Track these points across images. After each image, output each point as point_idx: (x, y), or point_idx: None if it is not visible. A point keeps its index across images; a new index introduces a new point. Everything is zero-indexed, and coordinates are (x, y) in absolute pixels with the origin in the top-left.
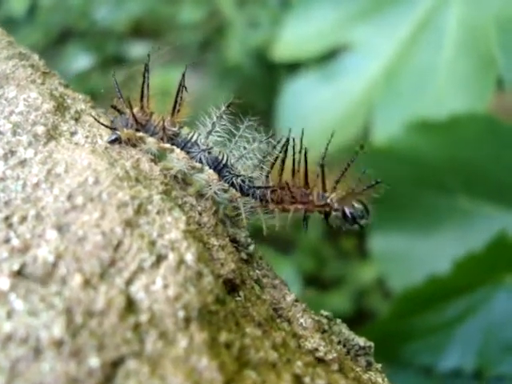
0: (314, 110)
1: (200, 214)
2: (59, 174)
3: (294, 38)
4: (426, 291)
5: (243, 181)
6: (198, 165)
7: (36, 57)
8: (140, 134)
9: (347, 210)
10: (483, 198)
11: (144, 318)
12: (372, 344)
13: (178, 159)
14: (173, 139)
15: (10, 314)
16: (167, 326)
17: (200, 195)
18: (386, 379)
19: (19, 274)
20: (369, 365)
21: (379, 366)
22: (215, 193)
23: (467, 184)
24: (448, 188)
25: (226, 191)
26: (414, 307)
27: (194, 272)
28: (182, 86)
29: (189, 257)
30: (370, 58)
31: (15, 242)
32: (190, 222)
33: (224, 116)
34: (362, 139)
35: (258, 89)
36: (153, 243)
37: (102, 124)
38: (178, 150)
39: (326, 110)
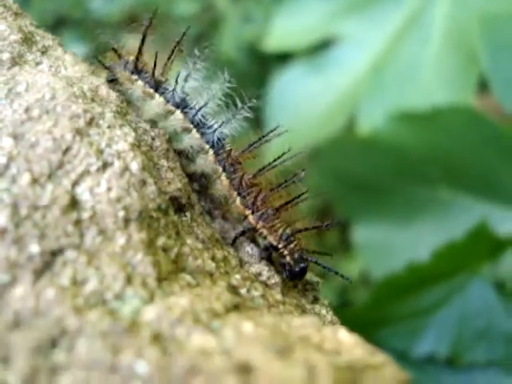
0: (302, 102)
1: (153, 138)
2: (19, 92)
3: (284, 30)
4: (405, 278)
5: (204, 117)
6: (173, 109)
7: (10, 0)
8: (134, 77)
9: (300, 267)
10: (463, 189)
11: (86, 215)
12: (319, 280)
13: (156, 104)
14: (158, 88)
15: None
16: (107, 224)
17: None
18: (330, 312)
19: None
20: (315, 299)
21: (326, 301)
22: (175, 130)
23: (448, 175)
24: (429, 179)
25: (187, 131)
26: (393, 294)
27: (137, 179)
28: (177, 42)
29: (134, 166)
30: (359, 51)
31: None
32: (142, 143)
33: (199, 65)
34: (348, 130)
35: (251, 82)
36: (101, 151)
37: (102, 64)
38: (157, 97)
39: (314, 101)
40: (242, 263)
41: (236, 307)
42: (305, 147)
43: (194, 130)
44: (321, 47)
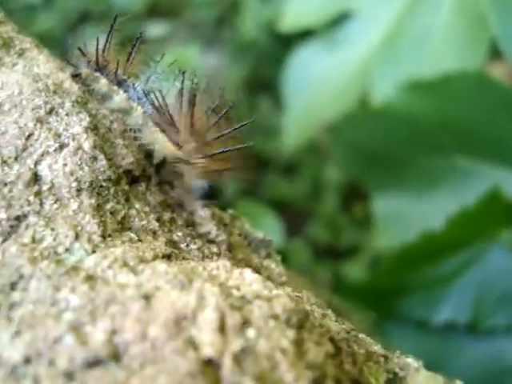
0: (318, 78)
1: (111, 122)
2: None
3: (299, 9)
4: (421, 247)
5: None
6: (134, 105)
7: None
8: (96, 74)
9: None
10: (478, 156)
11: (45, 187)
12: (272, 239)
13: (120, 100)
14: (121, 84)
15: None
16: (63, 194)
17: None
18: (280, 267)
19: None
20: (268, 256)
21: (279, 258)
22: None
23: (462, 143)
24: (443, 147)
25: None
26: (409, 263)
27: (89, 156)
28: (137, 39)
29: (86, 145)
30: (371, 25)
31: None
32: (100, 126)
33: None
34: (362, 104)
35: (274, 63)
36: (58, 135)
37: (69, 63)
38: (121, 93)
39: (329, 77)
40: (193, 224)
41: (168, 256)
42: (322, 122)
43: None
44: (335, 23)
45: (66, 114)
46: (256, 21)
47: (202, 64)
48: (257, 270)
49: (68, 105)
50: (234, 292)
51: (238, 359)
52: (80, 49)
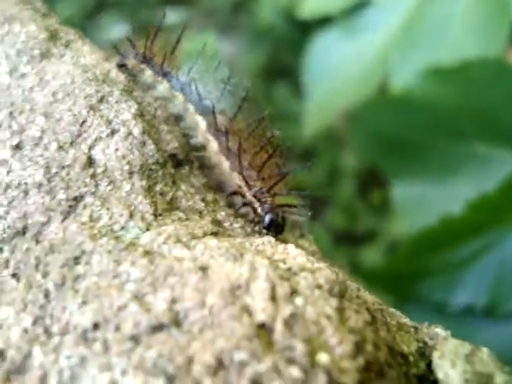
0: (338, 65)
1: (156, 109)
2: (48, 80)
3: None
4: (440, 231)
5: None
6: (176, 93)
7: (39, 3)
8: (142, 66)
9: (269, 218)
10: (498, 142)
11: (99, 170)
12: (305, 220)
13: (164, 89)
14: (166, 76)
15: (8, 172)
16: (116, 176)
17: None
18: (313, 246)
19: (17, 147)
20: (301, 235)
21: (311, 237)
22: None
23: (482, 129)
24: (463, 134)
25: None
26: (428, 247)
27: (138, 141)
28: (180, 34)
29: (135, 131)
30: (391, 11)
31: (15, 127)
32: (146, 113)
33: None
34: (382, 91)
35: (292, 50)
36: (109, 121)
37: (117, 51)
38: (165, 84)
39: (349, 64)
40: (232, 205)
41: (215, 234)
42: (342, 111)
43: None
44: (354, 10)
45: (116, 102)
46: (273, 7)
47: (219, 51)
48: None
49: (117, 93)
50: (281, 264)
51: (288, 324)
52: (129, 39)
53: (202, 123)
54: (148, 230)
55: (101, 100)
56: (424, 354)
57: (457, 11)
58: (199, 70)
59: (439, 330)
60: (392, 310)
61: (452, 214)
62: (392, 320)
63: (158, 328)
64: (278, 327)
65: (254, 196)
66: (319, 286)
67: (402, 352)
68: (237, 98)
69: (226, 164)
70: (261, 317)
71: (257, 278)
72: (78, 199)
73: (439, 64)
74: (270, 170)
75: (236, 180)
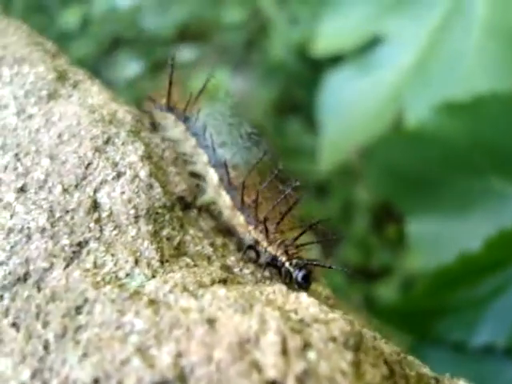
0: (352, 101)
1: (163, 150)
2: (54, 122)
3: (331, 33)
4: (458, 268)
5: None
6: (189, 137)
7: (49, 44)
8: (166, 113)
9: (302, 274)
10: None
11: (104, 214)
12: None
13: (179, 131)
14: (187, 120)
15: (12, 216)
16: (121, 220)
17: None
18: (327, 290)
19: (21, 189)
20: (314, 279)
21: (325, 281)
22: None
23: (497, 165)
24: (479, 169)
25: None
26: (446, 284)
27: (145, 184)
28: (205, 83)
29: (142, 173)
30: (404, 48)
31: (20, 169)
32: (153, 154)
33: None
34: (396, 127)
35: (304, 85)
36: (115, 164)
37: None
38: (181, 125)
39: (363, 100)
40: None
41: (224, 281)
42: (356, 146)
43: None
44: (368, 47)
45: (122, 144)
46: (285, 43)
47: (231, 87)
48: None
49: (123, 134)
50: (293, 316)
51: (300, 380)
52: (149, 97)
53: (214, 176)
54: (154, 277)
55: (107, 141)
56: None
57: (469, 47)
58: (216, 117)
59: (462, 383)
60: (411, 358)
61: (470, 251)
62: (411, 371)
63: None
64: None
65: (278, 250)
66: (333, 339)
67: None
68: (252, 151)
69: (241, 218)
70: (271, 373)
71: (267, 330)
72: (81, 245)
73: (452, 99)
74: (288, 222)
75: (253, 234)
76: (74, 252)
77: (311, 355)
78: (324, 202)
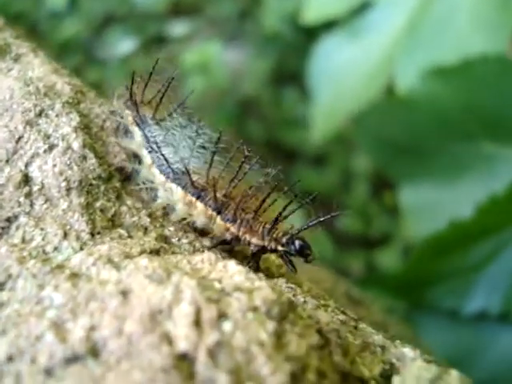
0: (343, 68)
1: (104, 120)
2: None
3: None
4: (450, 236)
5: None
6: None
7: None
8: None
9: (297, 244)
10: (505, 140)
11: (35, 188)
12: None
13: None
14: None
15: None
16: (52, 194)
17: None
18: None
19: None
20: None
21: None
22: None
23: (487, 128)
24: (469, 134)
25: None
26: (438, 252)
27: (78, 155)
28: (168, 84)
29: (75, 144)
30: (394, 12)
31: None
32: (92, 125)
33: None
34: (388, 92)
35: (299, 55)
36: (48, 136)
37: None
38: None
39: (355, 66)
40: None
41: (157, 251)
42: (349, 112)
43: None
44: (357, 13)
45: (56, 116)
46: (278, 13)
47: (226, 59)
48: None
49: (58, 106)
50: (216, 284)
51: (212, 353)
52: (127, 86)
53: (177, 190)
54: (82, 249)
55: (40, 114)
56: (390, 376)
57: (460, 8)
58: (175, 125)
59: (407, 350)
60: (363, 326)
61: (461, 218)
62: (356, 339)
63: (73, 359)
64: (201, 357)
65: (262, 237)
66: (254, 308)
67: (362, 377)
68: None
69: (218, 219)
70: (182, 345)
71: (181, 301)
72: (11, 220)
73: (442, 63)
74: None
75: (233, 230)
76: (2, 228)
77: (226, 326)
78: (322, 172)
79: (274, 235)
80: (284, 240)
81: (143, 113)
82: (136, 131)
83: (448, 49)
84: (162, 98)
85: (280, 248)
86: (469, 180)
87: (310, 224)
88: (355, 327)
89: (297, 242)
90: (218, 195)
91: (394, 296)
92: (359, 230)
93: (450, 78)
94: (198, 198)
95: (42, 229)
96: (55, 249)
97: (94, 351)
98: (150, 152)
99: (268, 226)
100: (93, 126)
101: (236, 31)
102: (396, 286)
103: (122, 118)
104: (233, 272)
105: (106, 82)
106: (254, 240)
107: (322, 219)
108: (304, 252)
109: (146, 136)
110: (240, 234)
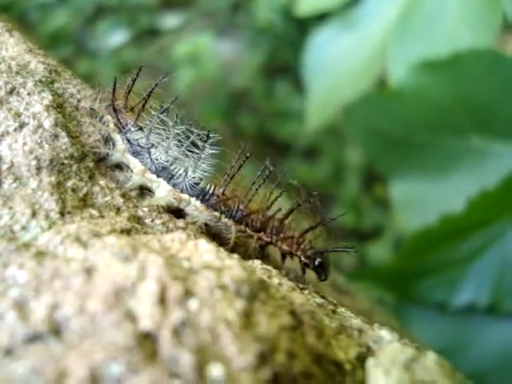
0: (337, 59)
1: (79, 100)
2: None
3: None
4: (440, 229)
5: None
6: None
7: None
8: (108, 117)
9: (317, 262)
10: (494, 135)
11: (5, 167)
12: None
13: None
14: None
15: None
16: (22, 172)
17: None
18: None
19: None
20: None
21: None
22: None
23: (477, 122)
24: (460, 128)
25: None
26: (428, 245)
27: (49, 134)
28: (150, 92)
29: (47, 123)
30: (388, 3)
31: None
32: (66, 105)
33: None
34: (381, 84)
35: (292, 47)
36: (18, 115)
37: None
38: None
39: (348, 57)
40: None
41: (128, 231)
42: (343, 104)
43: (165, 183)
44: (351, 4)
45: (28, 94)
46: (271, 5)
47: (218, 51)
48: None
49: (30, 84)
50: (184, 263)
51: (176, 332)
52: (113, 88)
53: (194, 202)
54: (50, 229)
55: (10, 92)
56: (366, 360)
57: (451, 2)
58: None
59: (384, 333)
60: (342, 310)
61: (452, 212)
62: (333, 322)
63: (34, 338)
64: (164, 336)
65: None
66: (223, 287)
67: (336, 360)
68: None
69: (247, 230)
70: (145, 323)
71: (146, 278)
72: None
73: (432, 56)
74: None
75: (265, 238)
76: None
77: (192, 304)
78: (314, 165)
79: (302, 246)
80: (309, 253)
81: (125, 119)
82: (118, 138)
83: (438, 42)
84: (144, 106)
85: (303, 258)
86: (459, 174)
87: (336, 249)
88: (333, 311)
89: (317, 260)
90: (242, 208)
91: (384, 288)
92: (351, 224)
93: (440, 72)
94: (226, 215)
95: (10, 208)
96: (23, 228)
97: (56, 330)
98: (136, 156)
99: (297, 234)
100: (67, 106)
101: (228, 23)
102: (386, 278)
103: (103, 123)
104: (203, 250)
105: (97, 73)
106: (285, 246)
107: (348, 250)
108: (319, 272)
109: (129, 141)
110: (273, 240)
